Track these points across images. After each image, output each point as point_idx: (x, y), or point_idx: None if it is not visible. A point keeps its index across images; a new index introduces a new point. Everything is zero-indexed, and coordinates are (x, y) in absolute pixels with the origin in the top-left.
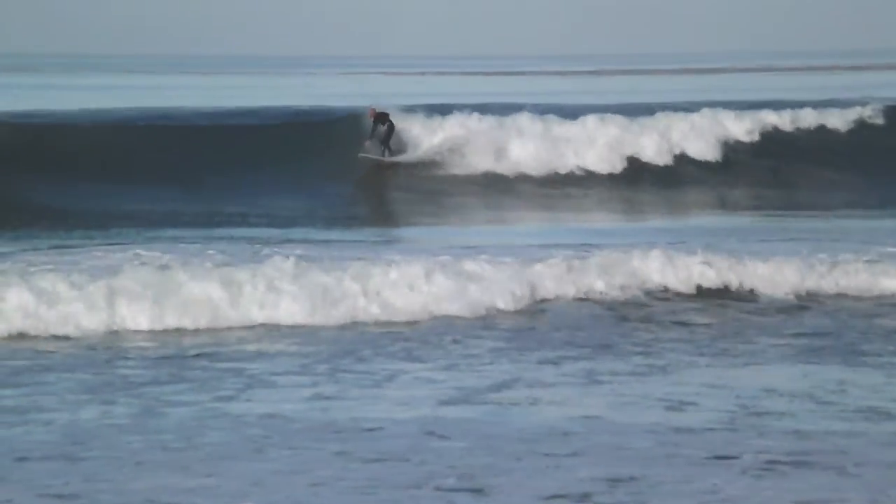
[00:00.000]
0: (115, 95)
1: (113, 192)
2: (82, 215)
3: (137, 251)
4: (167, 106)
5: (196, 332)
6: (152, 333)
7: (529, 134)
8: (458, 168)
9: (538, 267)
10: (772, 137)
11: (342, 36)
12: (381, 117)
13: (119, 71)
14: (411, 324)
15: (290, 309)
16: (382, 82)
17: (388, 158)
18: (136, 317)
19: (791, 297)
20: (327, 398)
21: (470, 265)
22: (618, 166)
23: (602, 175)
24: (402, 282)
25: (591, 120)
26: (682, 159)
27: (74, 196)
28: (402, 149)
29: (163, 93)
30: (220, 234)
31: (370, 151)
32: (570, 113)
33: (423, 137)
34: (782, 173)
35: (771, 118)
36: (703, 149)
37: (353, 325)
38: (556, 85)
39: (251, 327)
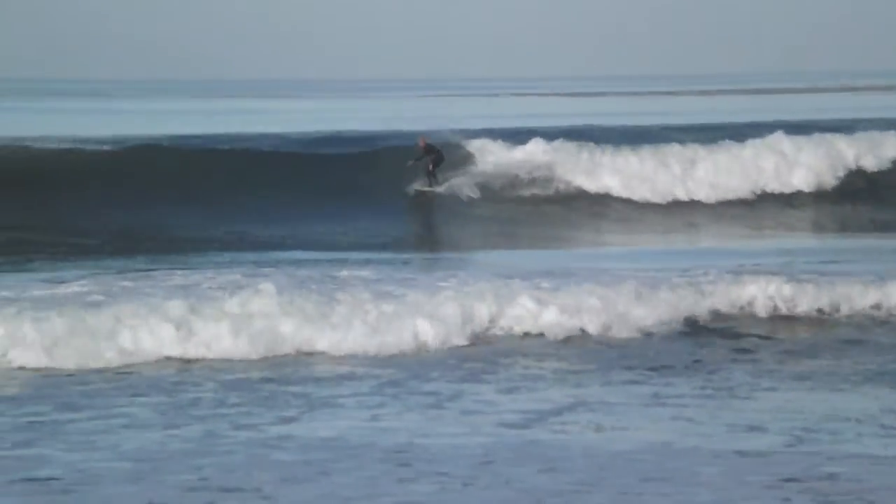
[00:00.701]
0: (187, 120)
1: (185, 216)
2: (157, 239)
3: (211, 275)
4: (247, 132)
5: (264, 359)
6: (222, 360)
7: (610, 157)
8: (538, 191)
9: (606, 290)
10: (868, 158)
11: (408, 60)
12: (430, 149)
13: (188, 96)
14: (479, 346)
15: (359, 332)
16: (458, 105)
17: (434, 188)
18: (210, 342)
19: (860, 318)
20: (391, 420)
21: (541, 286)
22: (702, 188)
23: (683, 197)
24: (474, 303)
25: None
26: (779, 180)
27: (150, 220)
28: (461, 175)
29: (243, 117)
30: (297, 257)
31: (417, 183)
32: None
33: (493, 161)
34: (872, 193)
35: (871, 138)
36: (798, 170)
37: (420, 348)
38: (635, 106)
39: (322, 352)
